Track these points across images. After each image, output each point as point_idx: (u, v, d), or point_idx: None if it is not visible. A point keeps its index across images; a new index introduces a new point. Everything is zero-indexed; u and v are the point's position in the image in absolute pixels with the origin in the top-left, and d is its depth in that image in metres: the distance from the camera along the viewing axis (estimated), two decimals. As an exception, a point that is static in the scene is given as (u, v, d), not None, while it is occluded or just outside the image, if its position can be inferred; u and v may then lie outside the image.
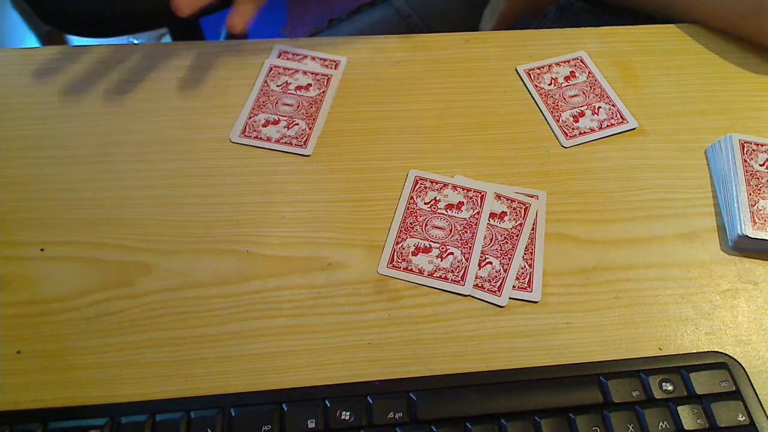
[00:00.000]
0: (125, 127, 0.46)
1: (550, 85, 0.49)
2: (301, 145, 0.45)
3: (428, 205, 0.42)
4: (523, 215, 0.41)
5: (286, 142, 0.45)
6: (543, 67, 0.51)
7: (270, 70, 0.49)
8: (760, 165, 0.43)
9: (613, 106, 0.48)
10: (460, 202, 0.42)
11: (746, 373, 0.35)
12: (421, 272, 0.39)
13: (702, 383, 0.34)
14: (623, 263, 0.40)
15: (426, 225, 0.41)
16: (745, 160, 0.43)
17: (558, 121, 0.47)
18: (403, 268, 0.39)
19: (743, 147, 0.43)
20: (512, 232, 0.41)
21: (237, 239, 0.40)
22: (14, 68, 0.49)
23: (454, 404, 0.33)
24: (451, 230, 0.41)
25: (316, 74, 0.49)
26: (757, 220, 0.40)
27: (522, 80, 0.50)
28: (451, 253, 0.40)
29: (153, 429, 0.32)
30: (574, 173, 0.44)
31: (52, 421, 0.32)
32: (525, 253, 0.40)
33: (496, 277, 0.39)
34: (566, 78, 0.50)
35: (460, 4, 0.71)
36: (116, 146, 0.45)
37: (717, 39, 0.53)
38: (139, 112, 0.47)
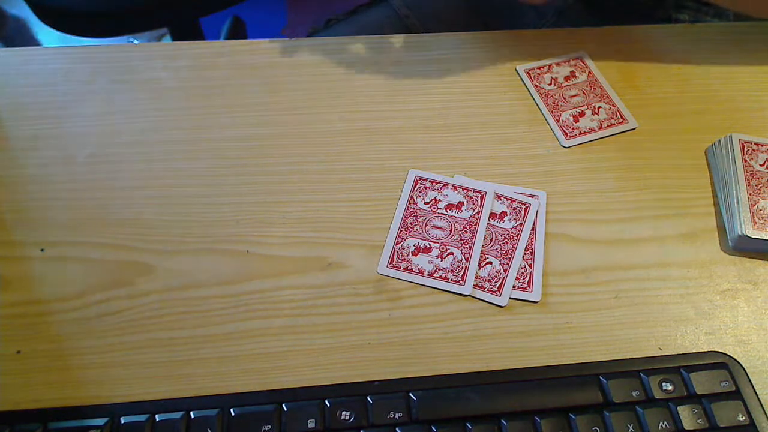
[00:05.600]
0: (125, 127, 0.46)
1: (550, 85, 0.49)
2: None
3: (428, 205, 0.42)
4: (523, 215, 0.41)
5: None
6: (543, 67, 0.51)
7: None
8: (761, 165, 0.43)
9: (613, 106, 0.48)
10: (460, 202, 0.42)
11: (746, 373, 0.35)
12: (421, 272, 0.39)
13: (702, 383, 0.34)
14: (623, 263, 0.40)
15: (426, 225, 0.41)
16: (746, 160, 0.43)
17: (558, 121, 0.47)
18: (403, 268, 0.39)
19: (743, 147, 0.43)
20: (512, 232, 0.41)
21: (237, 239, 0.40)
22: (14, 68, 0.49)
23: (454, 404, 0.33)
24: (451, 230, 0.41)
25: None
26: (757, 220, 0.40)
27: (522, 80, 0.50)
28: (451, 253, 0.40)
29: (153, 429, 0.32)
30: (574, 173, 0.44)
31: (52, 421, 0.32)
32: (525, 253, 0.40)
33: (496, 277, 0.39)
34: (566, 78, 0.50)
35: (457, 4, 0.71)
36: (116, 146, 0.45)
37: (717, 39, 0.53)
38: (139, 112, 0.47)
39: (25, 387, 0.34)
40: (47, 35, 1.50)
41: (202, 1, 0.82)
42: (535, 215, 0.41)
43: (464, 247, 0.40)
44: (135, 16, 0.77)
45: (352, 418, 0.32)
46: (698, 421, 0.33)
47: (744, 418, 0.33)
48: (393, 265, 0.39)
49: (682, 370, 0.34)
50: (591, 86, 0.49)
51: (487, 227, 0.41)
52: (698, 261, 0.40)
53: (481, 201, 0.42)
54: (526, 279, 0.39)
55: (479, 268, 0.39)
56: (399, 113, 0.47)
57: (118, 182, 0.43)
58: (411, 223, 0.41)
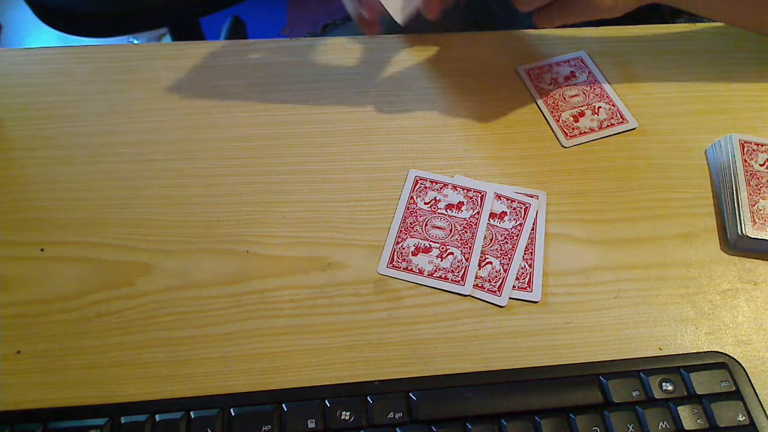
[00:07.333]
0: (125, 127, 0.46)
1: (550, 85, 0.49)
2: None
3: (428, 205, 0.42)
4: (523, 215, 0.41)
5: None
6: (543, 67, 0.51)
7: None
8: (760, 165, 0.43)
9: (613, 106, 0.48)
10: (460, 202, 0.42)
11: (746, 373, 0.35)
12: (421, 272, 0.39)
13: (702, 383, 0.34)
14: (623, 263, 0.40)
15: (426, 225, 0.41)
16: (746, 160, 0.43)
17: (558, 121, 0.47)
18: (403, 268, 0.39)
19: (743, 147, 0.43)
20: (512, 232, 0.41)
21: (237, 239, 0.40)
22: (14, 68, 0.49)
23: (454, 404, 0.33)
24: (451, 230, 0.41)
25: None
26: (757, 220, 0.40)
27: (522, 80, 0.50)
28: (451, 253, 0.40)
29: (153, 429, 0.32)
30: (574, 173, 0.44)
31: (52, 421, 0.32)
32: (525, 253, 0.40)
33: (496, 277, 0.39)
34: (566, 78, 0.50)
35: (454, 10, 0.71)
36: (116, 146, 0.45)
37: (717, 39, 0.53)
38: (139, 112, 0.47)
39: (25, 387, 0.34)
40: (47, 35, 1.51)
41: (202, 1, 0.83)
42: (535, 215, 0.41)
43: (464, 247, 0.40)
44: (135, 16, 0.77)
45: (352, 418, 0.32)
46: (698, 421, 0.33)
47: (744, 418, 0.33)
48: (393, 265, 0.39)
49: (682, 370, 0.34)
50: (591, 86, 0.49)
51: (487, 227, 0.41)
52: (698, 261, 0.40)
53: (481, 201, 0.42)
54: (526, 279, 0.39)
55: (479, 268, 0.39)
56: (399, 113, 0.47)
57: (118, 182, 0.43)
58: (411, 223, 0.41)
